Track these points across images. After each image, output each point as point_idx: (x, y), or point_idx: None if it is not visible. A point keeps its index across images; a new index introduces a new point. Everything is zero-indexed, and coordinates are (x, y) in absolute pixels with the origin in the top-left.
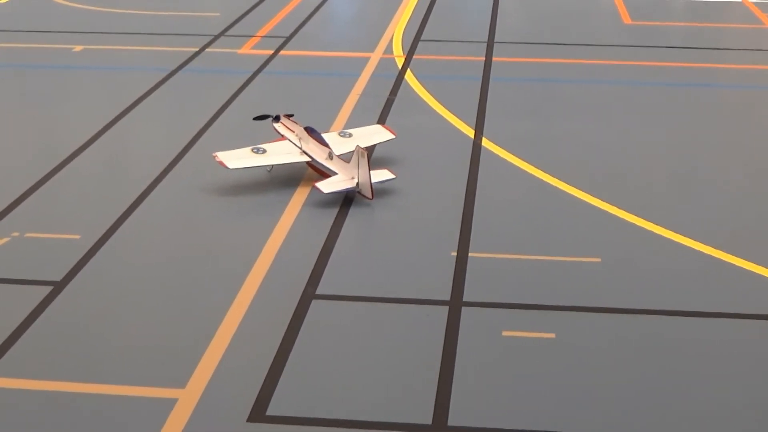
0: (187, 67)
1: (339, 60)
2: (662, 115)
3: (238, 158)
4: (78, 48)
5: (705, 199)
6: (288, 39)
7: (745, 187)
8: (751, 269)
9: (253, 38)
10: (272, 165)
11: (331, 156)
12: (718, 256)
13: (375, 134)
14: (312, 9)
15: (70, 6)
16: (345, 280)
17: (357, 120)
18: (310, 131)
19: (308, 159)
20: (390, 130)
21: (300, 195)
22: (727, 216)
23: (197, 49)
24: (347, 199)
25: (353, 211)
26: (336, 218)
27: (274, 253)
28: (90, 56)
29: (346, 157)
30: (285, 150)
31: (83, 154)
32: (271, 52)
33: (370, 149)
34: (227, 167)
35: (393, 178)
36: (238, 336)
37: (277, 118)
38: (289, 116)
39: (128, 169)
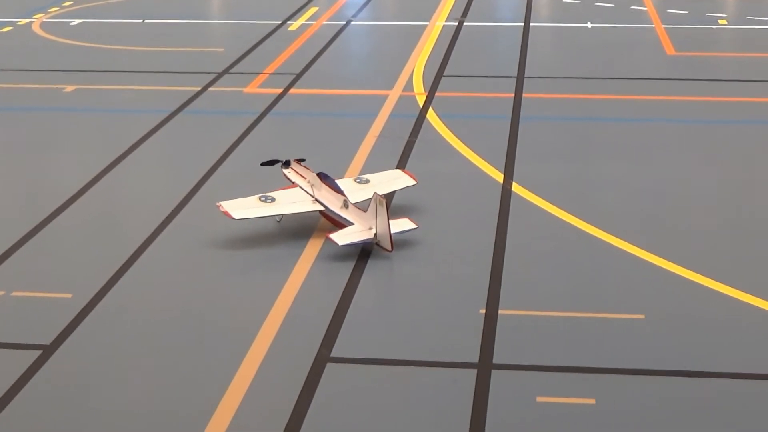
0: (189, 108)
1: (354, 98)
2: (712, 156)
3: (244, 208)
4: (69, 88)
5: (760, 249)
6: (298, 76)
7: None
8: None
9: (260, 75)
10: (282, 215)
11: (346, 204)
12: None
13: (394, 180)
14: (324, 44)
15: (62, 42)
16: (362, 341)
17: (374, 164)
18: (323, 177)
19: (321, 208)
20: (411, 176)
21: (312, 247)
22: None
23: (199, 88)
24: (364, 252)
25: (371, 265)
26: (352, 273)
27: (284, 312)
28: (82, 97)
29: (362, 206)
30: (296, 198)
31: (75, 205)
32: (280, 90)
33: (390, 196)
34: (232, 218)
35: (414, 228)
36: (246, 403)
37: (287, 164)
38: (300, 161)
39: (124, 221)
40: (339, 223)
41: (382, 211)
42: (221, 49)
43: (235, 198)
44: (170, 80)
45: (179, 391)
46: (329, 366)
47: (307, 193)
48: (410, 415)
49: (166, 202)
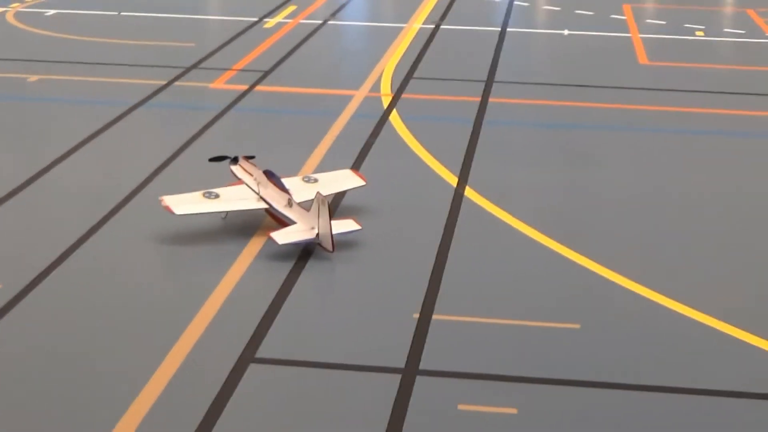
0: (151, 101)
1: (319, 98)
2: (672, 166)
3: (186, 203)
4: (33, 78)
5: (709, 262)
6: (266, 73)
7: (763, 252)
8: (750, 342)
9: (228, 72)
10: (226, 211)
11: (290, 203)
12: (712, 325)
13: (343, 180)
14: (298, 41)
15: (33, 32)
16: (289, 343)
17: (330, 164)
18: (270, 175)
19: (266, 206)
20: (361, 176)
21: (254, 245)
22: (732, 283)
23: (165, 83)
24: (306, 252)
25: (311, 265)
26: (290, 272)
27: (215, 310)
28: (45, 87)
29: (308, 205)
30: (240, 195)
31: (19, 195)
32: (246, 87)
33: (340, 197)
34: (174, 213)
35: (358, 230)
36: (160, 404)
37: (235, 160)
38: (249, 158)
39: (66, 212)
40: (283, 222)
41: (324, 211)
42: (192, 44)
43: (183, 193)
44: (137, 73)
45: (93, 387)
46: (252, 366)
47: (253, 190)
48: (325, 419)
49: (114, 194)
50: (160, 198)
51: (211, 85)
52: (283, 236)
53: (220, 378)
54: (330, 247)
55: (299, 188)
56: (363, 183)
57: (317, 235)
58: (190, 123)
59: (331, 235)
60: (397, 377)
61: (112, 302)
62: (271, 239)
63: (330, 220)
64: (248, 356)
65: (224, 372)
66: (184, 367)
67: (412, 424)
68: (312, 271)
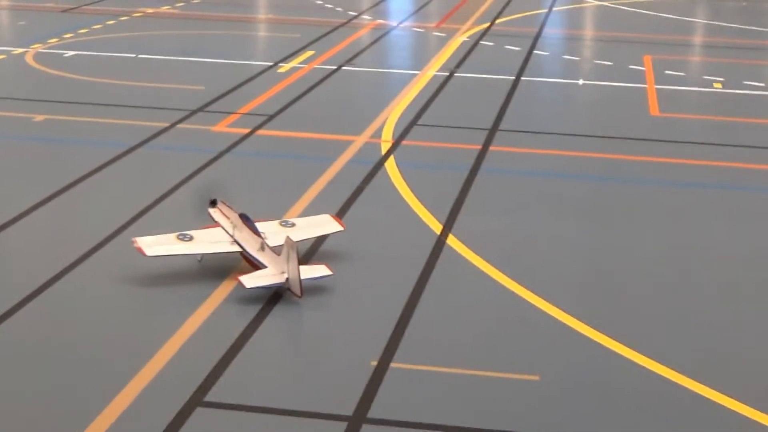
0: (152, 143)
1: (319, 143)
2: (669, 220)
3: (159, 245)
4: (39, 117)
5: (686, 318)
6: (270, 118)
7: (735, 309)
8: (711, 398)
9: (233, 115)
10: (202, 254)
11: (263, 247)
12: (676, 380)
13: (321, 225)
14: (307, 87)
15: (49, 72)
16: (242, 387)
17: (317, 208)
18: (245, 219)
19: (239, 249)
20: (339, 222)
21: (225, 288)
22: (700, 338)
23: (168, 125)
24: (276, 296)
25: (277, 310)
26: (256, 316)
27: (172, 353)
28: (49, 127)
29: (280, 250)
30: (214, 238)
31: (4, 233)
32: (247, 131)
33: (319, 241)
34: (145, 254)
35: (329, 275)
36: None
37: (213, 203)
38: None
39: (45, 251)
40: (256, 266)
41: (293, 255)
42: (202, 87)
43: (167, 234)
44: (142, 115)
45: (42, 423)
46: (198, 410)
47: (228, 233)
48: None
49: (96, 234)
50: (132, 239)
51: (213, 129)
52: (251, 280)
53: (164, 420)
54: (298, 292)
55: (276, 232)
56: (341, 228)
57: (287, 279)
58: (185, 165)
59: (300, 281)
60: (343, 425)
61: (73, 341)
62: (239, 283)
63: (298, 265)
64: (197, 399)
65: (170, 415)
66: (132, 407)
67: None
68: (278, 315)
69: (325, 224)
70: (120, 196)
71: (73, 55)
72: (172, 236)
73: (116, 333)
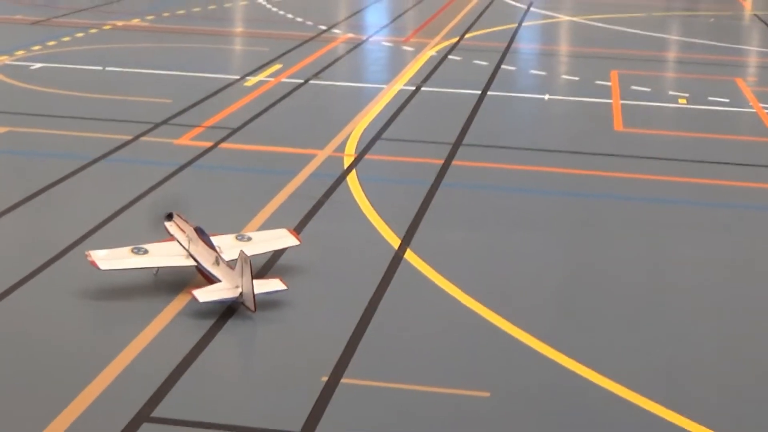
0: (112, 156)
1: (281, 156)
2: (633, 235)
3: (112, 258)
4: (2, 130)
5: (646, 335)
6: (234, 131)
7: (693, 325)
8: (669, 419)
9: (197, 128)
10: (157, 268)
11: (218, 261)
12: (632, 399)
13: (277, 239)
14: (274, 100)
15: (14, 84)
16: (189, 402)
17: (275, 222)
18: (200, 232)
19: (194, 263)
20: (296, 236)
21: (179, 303)
22: (659, 356)
23: (131, 138)
24: (230, 310)
25: (230, 324)
26: (208, 331)
27: (123, 367)
28: (11, 139)
29: (234, 264)
30: (169, 252)
31: None
32: (210, 144)
33: (276, 254)
34: (99, 268)
35: (283, 290)
36: None
37: (170, 216)
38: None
39: (1, 262)
40: (211, 280)
41: (247, 269)
42: (169, 100)
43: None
44: (106, 128)
45: None
46: (144, 426)
47: (183, 247)
48: None
49: (53, 246)
50: (86, 253)
51: (176, 142)
52: (204, 294)
53: None
54: (252, 307)
55: (231, 246)
56: (297, 243)
57: (240, 294)
58: (144, 179)
59: (253, 295)
60: None
61: (23, 352)
62: (192, 297)
63: (252, 279)
64: (144, 415)
65: (116, 430)
66: (79, 421)
67: None
68: (231, 330)
69: (282, 238)
70: (79, 208)
71: (39, 68)
72: (127, 250)
73: (67, 345)
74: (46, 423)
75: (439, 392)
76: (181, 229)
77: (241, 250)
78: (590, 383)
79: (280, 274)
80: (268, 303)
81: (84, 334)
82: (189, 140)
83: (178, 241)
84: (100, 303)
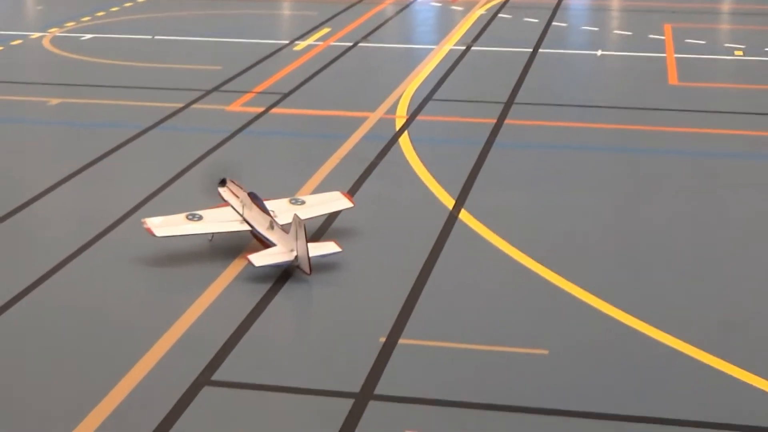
0: (165, 124)
1: (332, 120)
2: (690, 190)
3: (168, 225)
4: (54, 101)
5: (702, 290)
6: (285, 96)
7: (749, 279)
8: (724, 370)
9: (247, 94)
10: (212, 233)
11: (272, 225)
12: (689, 353)
13: (331, 202)
14: (323, 65)
15: (66, 56)
16: (249, 366)
17: (330, 185)
18: (253, 197)
19: (248, 228)
20: (349, 198)
21: (235, 267)
22: (711, 309)
23: (182, 105)
24: (286, 274)
25: (287, 288)
26: (265, 295)
27: (182, 331)
28: (64, 110)
29: (288, 227)
30: (224, 217)
31: (17, 216)
32: (261, 109)
33: (331, 217)
34: (155, 235)
35: (338, 252)
36: (109, 423)
37: (223, 182)
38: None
39: (60, 232)
40: (266, 244)
41: (302, 233)
42: (219, 67)
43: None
44: (157, 96)
45: (49, 401)
46: (205, 389)
47: (237, 212)
48: None
49: (109, 215)
50: (142, 220)
51: (227, 108)
52: (260, 258)
53: (172, 400)
54: (307, 270)
55: (285, 210)
56: (351, 205)
57: (295, 257)
58: (197, 146)
59: (308, 258)
60: (350, 402)
61: (85, 320)
62: (248, 261)
63: (307, 242)
64: (204, 379)
65: (177, 394)
66: (140, 386)
67: None
68: (288, 293)
69: (336, 201)
70: (132, 177)
71: (89, 39)
72: (181, 216)
73: (127, 313)
74: (108, 389)
75: (497, 351)
76: (235, 195)
77: (295, 214)
78: (649, 339)
79: (335, 237)
80: (323, 266)
81: (143, 300)
82: (240, 106)
83: (232, 207)
84: (158, 269)
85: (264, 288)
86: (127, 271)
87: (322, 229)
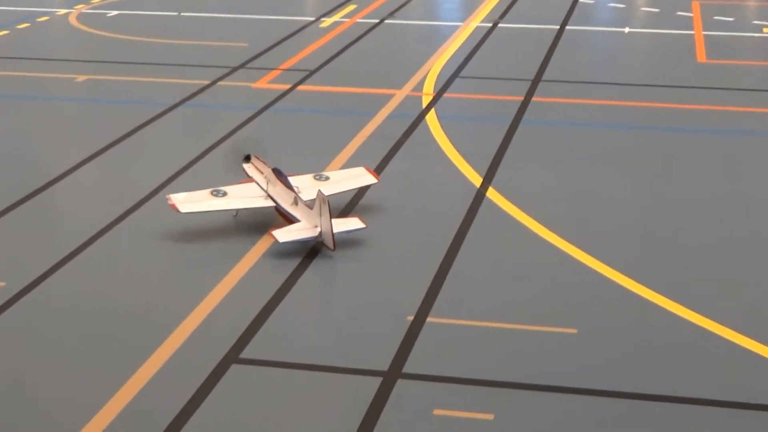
0: (191, 101)
1: (359, 97)
2: (718, 168)
3: (192, 201)
4: (81, 78)
5: (731, 269)
6: (311, 73)
7: None
8: (753, 349)
9: (274, 71)
10: (236, 209)
11: (296, 201)
12: (718, 332)
13: (355, 178)
14: (350, 41)
15: (92, 33)
16: (277, 343)
17: (356, 162)
18: (278, 173)
19: (272, 204)
20: (374, 174)
21: (263, 244)
22: (739, 289)
23: (209, 82)
24: (312, 251)
25: (315, 265)
26: (293, 272)
27: (209, 309)
28: (91, 87)
29: (313, 203)
30: (248, 193)
31: (44, 193)
32: (288, 86)
33: (359, 194)
34: (179, 211)
35: (362, 228)
36: (138, 399)
37: (247, 158)
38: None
39: (88, 209)
40: (290, 220)
41: (325, 209)
42: (245, 44)
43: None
44: (184, 73)
45: (78, 379)
46: (233, 367)
47: (262, 188)
48: (296, 422)
49: (136, 192)
50: (167, 197)
51: (254, 85)
52: (284, 234)
53: (200, 377)
54: (331, 245)
55: (309, 186)
56: (375, 181)
57: (319, 233)
58: (224, 123)
59: (332, 234)
60: (378, 380)
61: (112, 298)
62: (272, 237)
63: (330, 218)
64: (233, 356)
65: (205, 371)
66: (168, 364)
67: (383, 428)
68: (315, 270)
69: (360, 177)
70: (160, 154)
71: (115, 15)
72: (206, 192)
73: (154, 290)
74: (138, 364)
75: (525, 329)
76: (259, 171)
77: (319, 190)
78: (677, 318)
79: (362, 214)
80: (351, 244)
81: (171, 277)
82: (267, 83)
83: (257, 183)
84: (185, 246)
85: (291, 266)
86: (156, 248)
87: (349, 206)
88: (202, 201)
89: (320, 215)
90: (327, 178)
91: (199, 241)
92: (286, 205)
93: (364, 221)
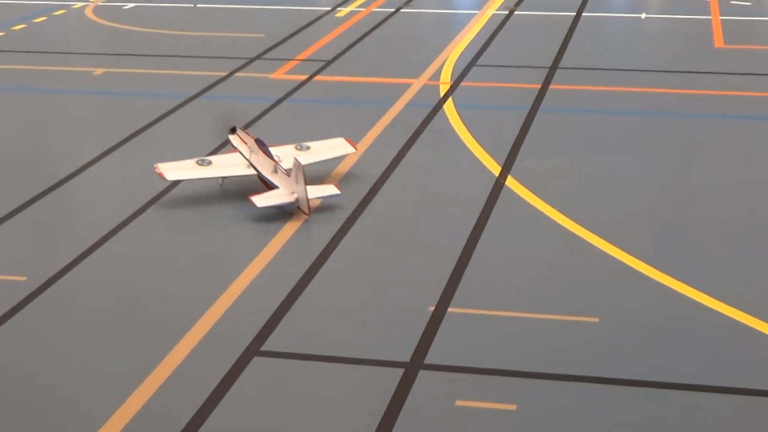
0: (209, 93)
1: (376, 87)
2: (736, 155)
3: (179, 169)
4: (99, 71)
5: (751, 256)
6: (328, 63)
7: None
8: None
9: (291, 62)
10: (221, 177)
11: (276, 169)
12: (740, 320)
13: (334, 148)
14: (365, 31)
15: (108, 26)
16: (299, 335)
17: (375, 152)
18: (260, 144)
19: (254, 172)
20: (352, 144)
21: (281, 237)
22: (762, 276)
23: (226, 74)
24: (333, 241)
25: (335, 257)
26: (314, 263)
27: (231, 301)
28: (108, 80)
29: (291, 171)
30: (232, 162)
31: (65, 186)
32: (305, 77)
33: (379, 182)
34: (166, 179)
35: (337, 194)
36: (160, 394)
37: (233, 130)
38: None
39: (106, 202)
40: (270, 187)
41: (301, 176)
42: (262, 35)
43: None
44: (201, 65)
45: (101, 374)
46: (255, 360)
47: (245, 158)
48: (316, 412)
49: (155, 185)
50: (154, 165)
51: (271, 76)
52: (262, 200)
53: (222, 369)
54: (306, 210)
55: (291, 155)
56: (353, 150)
57: (296, 198)
58: (241, 114)
59: (308, 199)
60: (400, 371)
61: (133, 291)
62: (250, 202)
63: (305, 184)
64: (254, 348)
65: (227, 364)
66: (190, 356)
67: (405, 420)
68: (335, 263)
69: (339, 146)
70: (178, 146)
71: (131, 7)
72: (192, 161)
73: (174, 282)
74: (160, 357)
75: (547, 319)
76: (243, 142)
77: (295, 158)
78: (699, 306)
79: (381, 204)
80: (371, 235)
81: (192, 269)
82: (284, 74)
83: (240, 153)
84: (205, 237)
85: (312, 257)
86: (173, 242)
87: (371, 192)
88: (189, 169)
89: (297, 182)
90: (308, 148)
91: (220, 231)
92: (267, 173)
93: (339, 187)
